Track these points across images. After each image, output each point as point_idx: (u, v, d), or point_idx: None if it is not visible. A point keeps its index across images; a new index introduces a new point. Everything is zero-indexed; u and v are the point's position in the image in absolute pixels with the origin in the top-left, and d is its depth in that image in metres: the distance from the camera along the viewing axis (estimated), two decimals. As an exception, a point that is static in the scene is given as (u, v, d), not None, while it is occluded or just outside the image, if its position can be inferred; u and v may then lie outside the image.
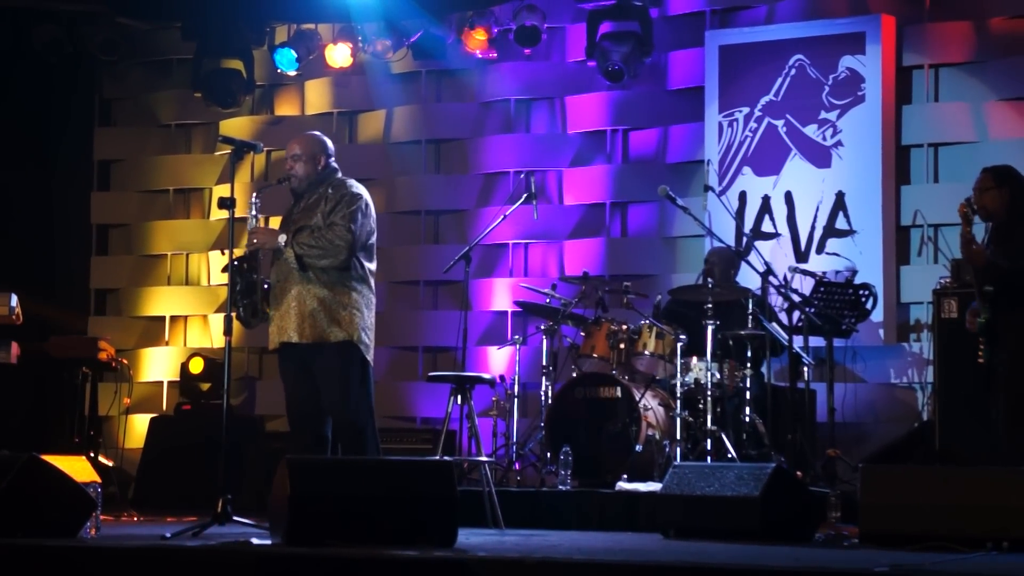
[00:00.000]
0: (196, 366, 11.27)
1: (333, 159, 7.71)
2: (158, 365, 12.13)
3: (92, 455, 9.45)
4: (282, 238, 7.44)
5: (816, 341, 9.67)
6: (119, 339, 11.80)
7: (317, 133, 7.85)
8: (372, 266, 7.65)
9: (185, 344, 12.16)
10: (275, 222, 8.03)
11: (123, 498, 9.82)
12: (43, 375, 10.14)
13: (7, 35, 11.53)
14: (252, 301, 7.42)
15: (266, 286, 7.51)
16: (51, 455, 6.89)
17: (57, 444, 9.57)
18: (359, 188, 7.65)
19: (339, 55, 11.57)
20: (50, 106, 12.07)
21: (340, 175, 7.70)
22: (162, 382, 12.09)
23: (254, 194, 7.61)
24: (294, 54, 11.54)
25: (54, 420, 10.32)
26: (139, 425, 11.60)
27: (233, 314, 7.34)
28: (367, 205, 7.58)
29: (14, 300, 8.01)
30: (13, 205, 11.71)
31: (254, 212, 7.56)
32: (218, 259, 7.59)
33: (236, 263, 7.41)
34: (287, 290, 7.46)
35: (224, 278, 7.53)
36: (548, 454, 9.27)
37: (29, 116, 11.90)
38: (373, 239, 7.67)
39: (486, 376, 8.57)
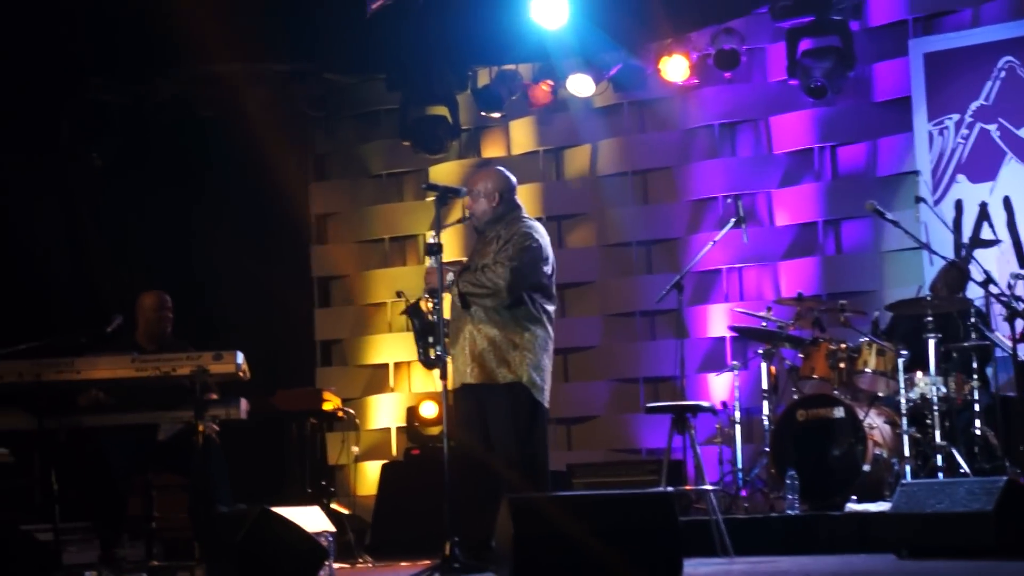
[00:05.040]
0: (429, 410, 11.32)
1: (515, 195, 7.59)
2: (385, 412, 12.34)
3: (326, 504, 9.63)
4: (449, 276, 7.37)
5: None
6: (346, 388, 12.05)
7: (499, 169, 7.73)
8: (550, 307, 7.49)
9: (410, 390, 12.34)
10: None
11: (360, 545, 9.98)
12: (273, 429, 10.39)
13: (221, 99, 11.88)
14: (428, 342, 7.40)
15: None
16: (286, 506, 7.03)
17: (291, 495, 9.78)
18: (532, 226, 7.51)
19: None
20: (265, 164, 12.37)
21: (521, 212, 7.58)
22: (390, 428, 12.30)
23: (432, 234, 7.49)
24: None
25: (287, 472, 10.57)
26: (370, 472, 11.80)
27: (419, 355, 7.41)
28: (538, 244, 7.42)
29: (240, 357, 8.20)
30: (236, 263, 12.03)
31: (428, 251, 7.51)
32: (397, 303, 7.62)
33: (413, 305, 7.45)
34: (460, 330, 7.40)
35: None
36: (774, 479, 9.18)
37: (246, 175, 12.21)
38: (549, 279, 7.49)
39: (704, 404, 8.49)
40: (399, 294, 7.75)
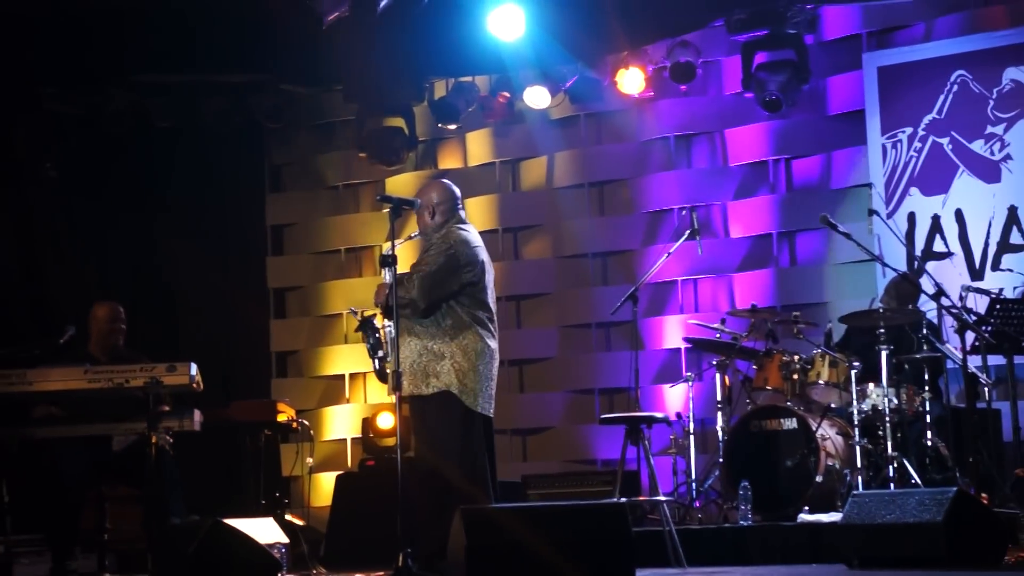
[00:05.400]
0: (386, 421, 11.26)
1: (456, 205, 7.59)
2: (340, 423, 12.32)
3: (280, 515, 9.60)
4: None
5: (997, 359, 9.46)
6: (301, 399, 12.04)
7: (440, 181, 7.77)
8: (482, 312, 7.46)
9: (365, 401, 12.33)
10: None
11: (314, 556, 9.95)
12: (227, 440, 10.37)
13: (177, 109, 11.86)
14: (381, 357, 7.44)
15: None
16: (240, 518, 7.02)
17: (245, 506, 9.76)
18: (455, 234, 7.49)
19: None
20: (222, 175, 12.38)
21: (456, 222, 7.55)
22: (345, 439, 12.28)
23: (388, 249, 7.50)
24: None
25: (241, 483, 10.55)
26: (325, 483, 11.78)
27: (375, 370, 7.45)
28: (453, 251, 7.40)
29: (194, 369, 8.19)
30: (191, 274, 12.01)
31: (385, 269, 7.57)
32: (353, 318, 7.71)
33: (366, 320, 7.48)
34: (400, 344, 7.30)
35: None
36: (728, 489, 9.21)
37: (202, 186, 12.21)
38: (473, 285, 7.44)
39: (658, 415, 8.52)
40: (352, 311, 7.77)
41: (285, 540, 7.79)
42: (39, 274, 11.54)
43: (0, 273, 11.28)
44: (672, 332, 11.32)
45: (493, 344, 7.50)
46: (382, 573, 7.39)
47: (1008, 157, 10.39)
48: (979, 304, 9.48)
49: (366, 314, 7.53)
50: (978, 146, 10.50)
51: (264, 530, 7.94)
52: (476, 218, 12.18)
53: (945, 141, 10.61)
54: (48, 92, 11.46)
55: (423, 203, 7.58)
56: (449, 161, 12.47)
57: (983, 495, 8.33)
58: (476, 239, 7.59)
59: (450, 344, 7.38)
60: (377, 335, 7.44)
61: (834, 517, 8.30)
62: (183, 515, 8.34)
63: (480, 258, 7.52)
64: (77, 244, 11.72)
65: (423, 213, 7.58)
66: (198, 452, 9.31)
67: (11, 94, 11.15)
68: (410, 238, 7.74)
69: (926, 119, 10.70)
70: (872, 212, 9.92)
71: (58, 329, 8.62)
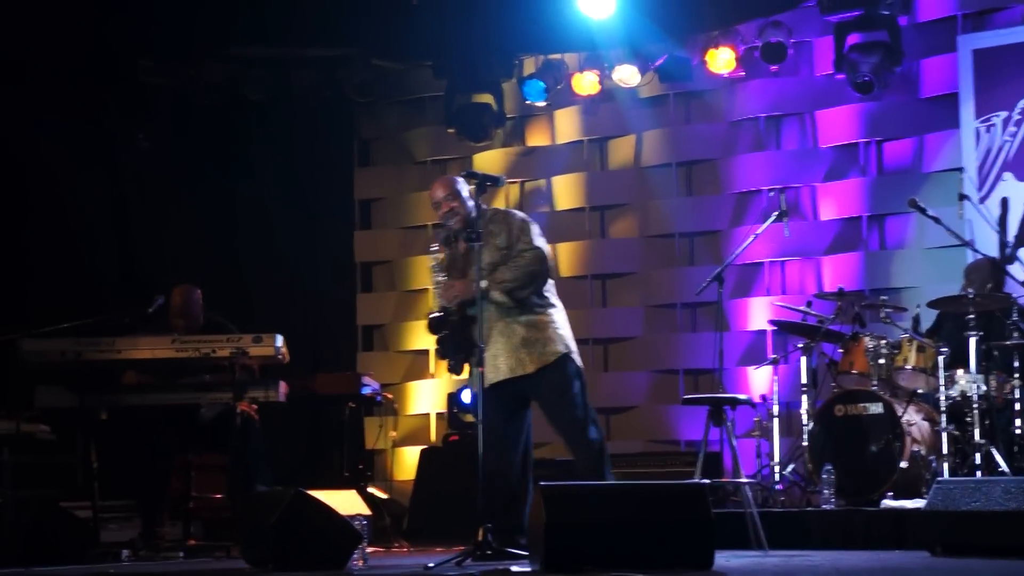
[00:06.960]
0: (470, 397, 11.30)
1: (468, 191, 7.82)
2: (425, 398, 12.37)
3: (363, 488, 9.67)
4: (484, 283, 7.47)
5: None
6: (386, 374, 12.09)
7: (441, 177, 8.17)
8: (551, 281, 7.82)
9: (450, 376, 12.32)
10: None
11: (396, 530, 10.02)
12: (312, 412, 10.45)
13: (269, 83, 11.94)
14: (463, 355, 7.55)
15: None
16: (323, 489, 7.09)
17: (329, 478, 9.84)
18: (513, 212, 7.88)
19: (586, 83, 11.72)
20: (311, 149, 12.46)
21: (484, 204, 7.73)
22: (429, 414, 12.33)
23: (434, 249, 7.75)
24: (542, 84, 11.73)
25: (325, 455, 10.63)
26: (408, 457, 11.84)
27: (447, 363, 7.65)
28: (536, 227, 7.74)
29: (279, 340, 8.28)
30: (280, 247, 12.11)
31: (435, 265, 7.68)
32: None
33: (444, 318, 7.53)
34: (491, 330, 7.53)
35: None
36: (811, 473, 9.16)
37: (292, 160, 12.30)
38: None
39: (741, 397, 8.49)
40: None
41: (367, 512, 7.84)
42: (129, 243, 11.68)
43: (91, 241, 11.43)
44: (758, 314, 11.26)
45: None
46: (462, 548, 7.41)
47: (1104, 143, 10.25)
48: (1071, 293, 9.37)
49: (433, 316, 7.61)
50: (1075, 131, 10.36)
51: (346, 502, 8.00)
52: (563, 196, 12.23)
53: (1041, 126, 10.48)
54: (143, 64, 11.57)
55: (445, 198, 7.76)
56: (537, 138, 12.47)
57: (1071, 485, 8.21)
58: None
59: (547, 312, 7.64)
60: (463, 334, 7.51)
61: (918, 504, 8.22)
62: (268, 484, 8.43)
63: None
64: (167, 214, 11.83)
65: (453, 205, 7.73)
66: (283, 424, 9.40)
67: (107, 65, 11.28)
68: (446, 241, 7.78)
69: (1021, 103, 10.55)
70: (963, 197, 9.79)
71: (147, 298, 8.74)
